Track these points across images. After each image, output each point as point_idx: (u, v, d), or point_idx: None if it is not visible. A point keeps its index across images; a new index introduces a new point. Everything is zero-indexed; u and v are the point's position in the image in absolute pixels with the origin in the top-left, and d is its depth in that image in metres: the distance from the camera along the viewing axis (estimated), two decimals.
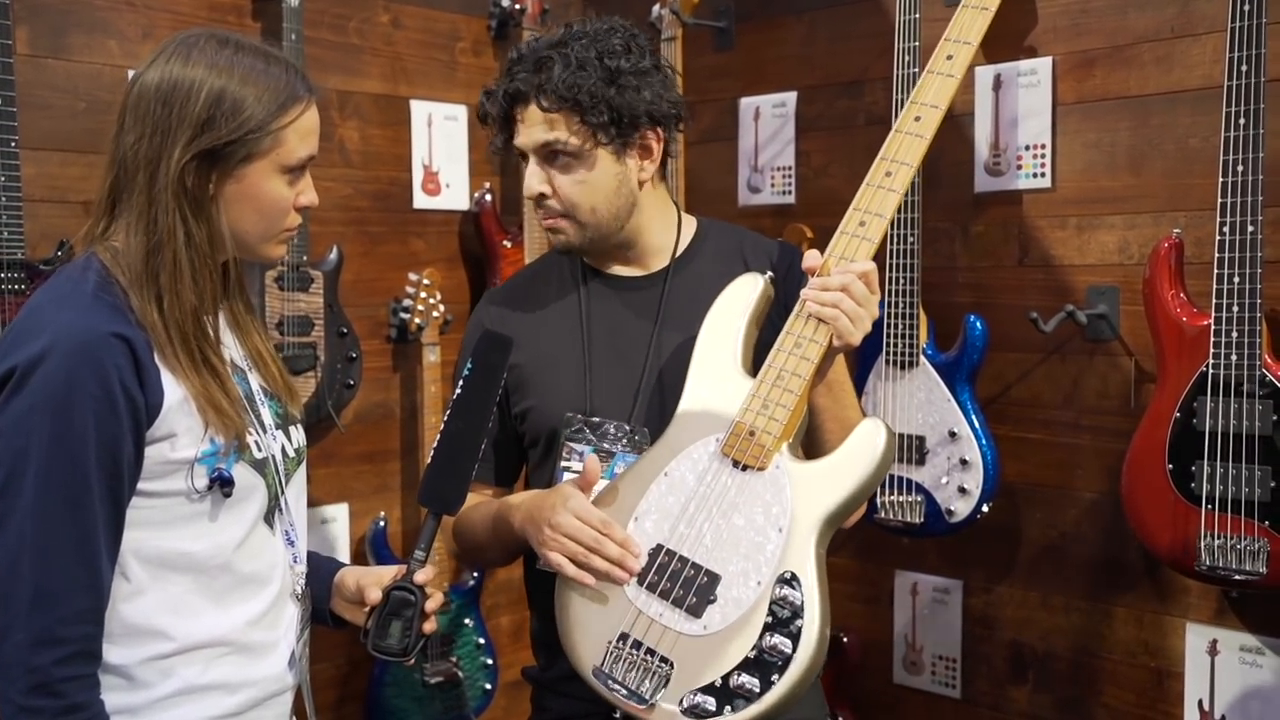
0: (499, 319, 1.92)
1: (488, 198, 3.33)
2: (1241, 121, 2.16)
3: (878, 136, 1.79)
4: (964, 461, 2.60)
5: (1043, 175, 2.66)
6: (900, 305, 2.63)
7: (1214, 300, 2.20)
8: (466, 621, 3.21)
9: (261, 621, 1.56)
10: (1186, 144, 2.47)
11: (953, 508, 2.63)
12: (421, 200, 3.28)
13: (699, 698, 1.59)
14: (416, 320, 3.10)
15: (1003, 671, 2.80)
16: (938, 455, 2.63)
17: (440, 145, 3.31)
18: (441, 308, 3.14)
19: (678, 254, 1.91)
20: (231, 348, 1.61)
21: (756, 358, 1.74)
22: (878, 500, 2.68)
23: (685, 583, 1.63)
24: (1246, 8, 2.14)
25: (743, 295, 1.78)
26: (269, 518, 1.58)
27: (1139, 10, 2.53)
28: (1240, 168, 2.16)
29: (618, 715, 1.68)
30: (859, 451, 1.64)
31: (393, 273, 3.19)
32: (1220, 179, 2.18)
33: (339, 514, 3.14)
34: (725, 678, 1.58)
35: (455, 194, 3.34)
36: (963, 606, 2.85)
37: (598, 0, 3.47)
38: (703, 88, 3.24)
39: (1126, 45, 2.55)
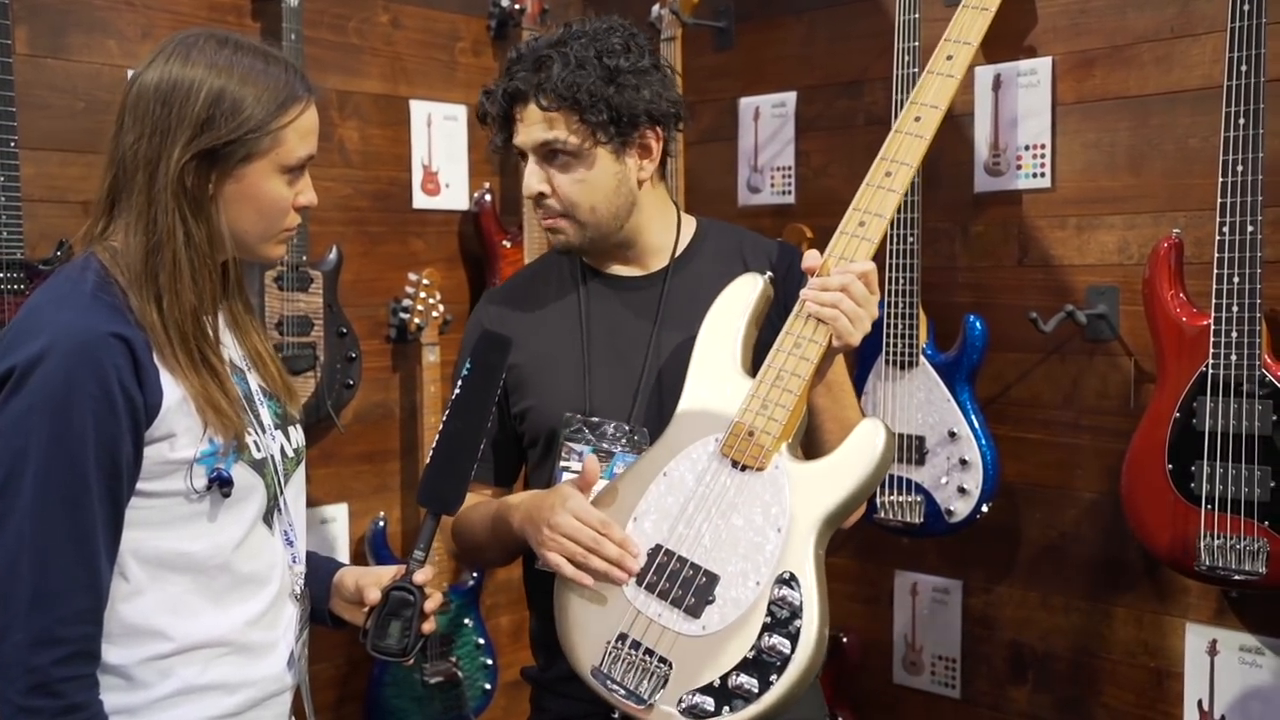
0: (498, 319, 1.92)
1: (487, 198, 3.33)
2: (1241, 121, 2.16)
3: (877, 136, 1.79)
4: (964, 461, 2.60)
5: (1042, 175, 2.66)
6: (900, 305, 2.63)
7: (1214, 300, 2.20)
8: (466, 621, 3.21)
9: (260, 622, 1.56)
10: (1186, 144, 2.47)
11: (952, 508, 2.63)
12: (421, 200, 3.28)
13: (697, 698, 1.58)
14: (416, 320, 3.10)
15: (1002, 672, 2.80)
16: (937, 455, 2.63)
17: (440, 145, 3.30)
18: (441, 308, 3.14)
19: (677, 254, 1.91)
20: (230, 348, 1.61)
21: (756, 358, 1.74)
22: (877, 500, 2.68)
23: (684, 583, 1.63)
24: (1246, 8, 2.14)
25: (742, 295, 1.78)
26: (268, 518, 1.57)
27: (1138, 10, 2.53)
28: (1240, 168, 2.16)
29: (616, 716, 1.68)
30: (858, 452, 1.64)
31: (392, 273, 3.19)
32: (1220, 179, 2.18)
33: (338, 514, 3.14)
34: (724, 678, 1.58)
35: (455, 194, 3.34)
36: (962, 606, 2.85)
37: (597, 0, 3.47)
38: (702, 88, 3.24)
39: (1126, 45, 2.55)
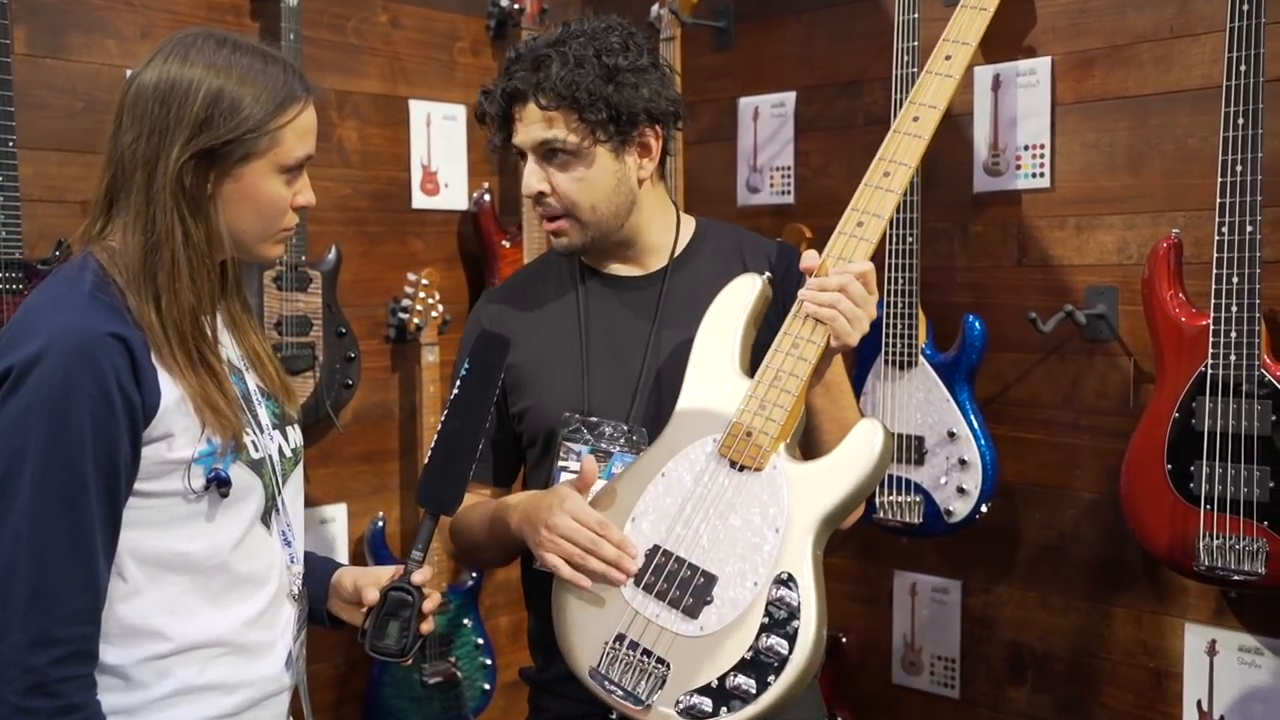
0: (497, 319, 1.92)
1: (486, 198, 3.33)
2: (1240, 121, 2.15)
3: (877, 136, 1.79)
4: (963, 461, 2.60)
5: (1042, 175, 2.66)
6: (899, 305, 2.63)
7: (1213, 300, 2.20)
8: (465, 622, 3.21)
9: (258, 622, 1.56)
10: (1185, 144, 2.47)
11: (951, 508, 2.63)
12: (420, 200, 3.28)
13: (695, 699, 1.58)
14: (415, 320, 3.10)
15: (1002, 672, 2.80)
16: (936, 455, 2.63)
17: (439, 145, 3.30)
18: (440, 308, 3.13)
19: (676, 254, 1.91)
20: (229, 348, 1.60)
21: (754, 358, 1.73)
22: (877, 500, 2.68)
23: (682, 584, 1.63)
24: (1245, 8, 2.14)
25: (741, 295, 1.78)
26: (266, 518, 1.57)
27: (1138, 10, 2.53)
28: (1239, 168, 2.16)
29: (614, 716, 1.67)
30: (856, 452, 1.64)
31: (391, 273, 3.19)
32: (1219, 179, 2.18)
33: (337, 514, 3.13)
34: (722, 679, 1.58)
35: (454, 194, 3.34)
36: (962, 607, 2.84)
37: (596, 0, 3.46)
38: (701, 88, 3.24)
39: (1125, 45, 2.55)
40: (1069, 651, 2.70)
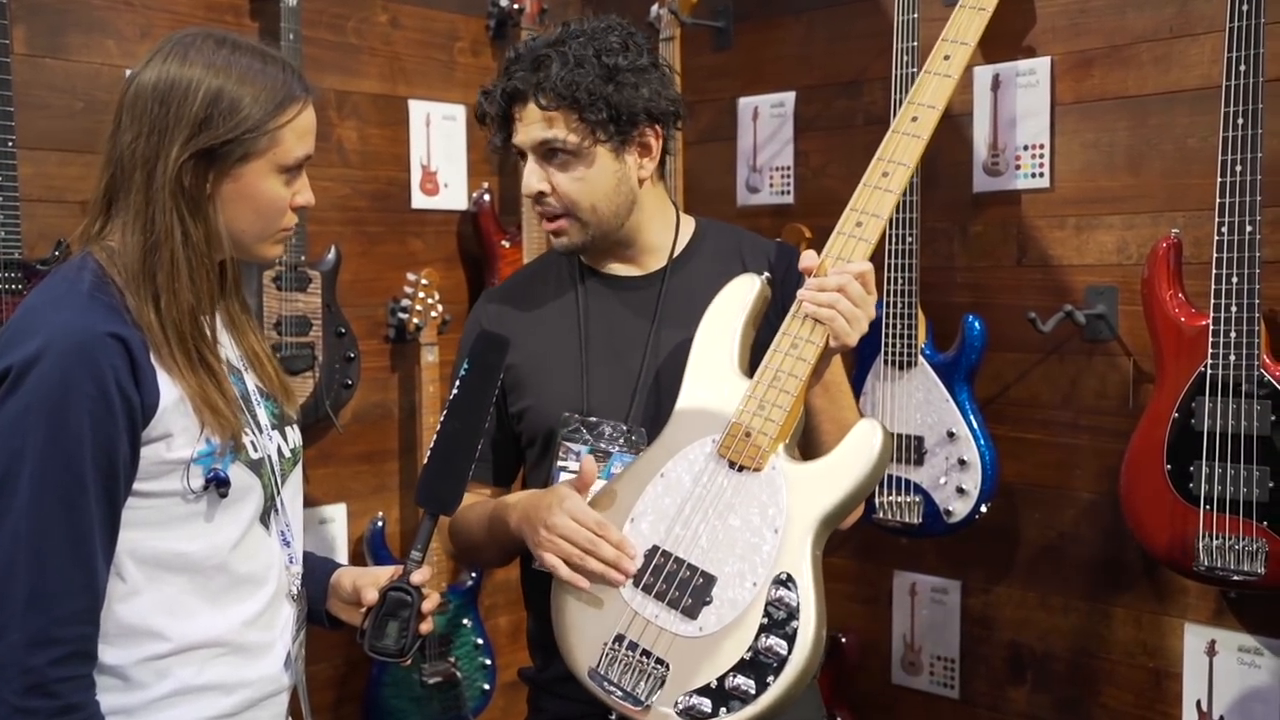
0: (496, 318, 1.92)
1: (486, 198, 3.33)
2: (1240, 121, 2.15)
3: (876, 136, 1.79)
4: (962, 462, 2.60)
5: (1041, 175, 2.66)
6: (898, 305, 2.63)
7: (1212, 300, 2.20)
8: (465, 622, 3.21)
9: (257, 622, 1.56)
10: (1185, 144, 2.47)
11: (951, 508, 2.63)
12: (420, 200, 3.28)
13: (694, 699, 1.58)
14: (415, 320, 3.10)
15: (1001, 672, 2.80)
16: (936, 455, 2.63)
17: (438, 145, 3.30)
18: (440, 308, 3.13)
19: (675, 253, 1.91)
20: (228, 348, 1.60)
21: (753, 358, 1.73)
22: (876, 500, 2.68)
23: (681, 584, 1.62)
24: (1245, 8, 2.14)
25: (740, 295, 1.77)
26: (265, 518, 1.57)
27: (1137, 10, 2.53)
28: (1239, 168, 2.16)
29: (613, 717, 1.67)
30: (855, 452, 1.64)
31: (391, 273, 3.19)
32: (1219, 179, 2.18)
33: (337, 514, 3.13)
34: (721, 679, 1.58)
35: (453, 194, 3.34)
36: (961, 607, 2.84)
37: (596, 0, 3.46)
38: (701, 87, 3.24)
39: (1125, 45, 2.55)
40: (1068, 652, 2.70)
